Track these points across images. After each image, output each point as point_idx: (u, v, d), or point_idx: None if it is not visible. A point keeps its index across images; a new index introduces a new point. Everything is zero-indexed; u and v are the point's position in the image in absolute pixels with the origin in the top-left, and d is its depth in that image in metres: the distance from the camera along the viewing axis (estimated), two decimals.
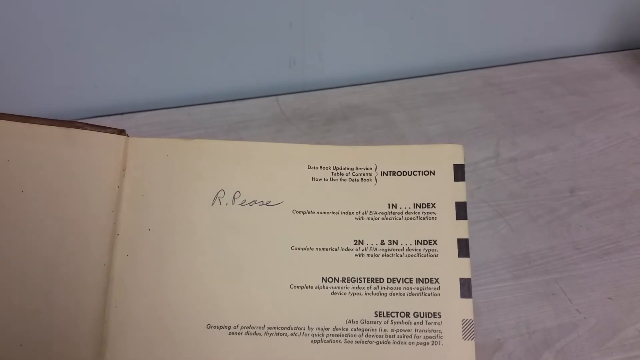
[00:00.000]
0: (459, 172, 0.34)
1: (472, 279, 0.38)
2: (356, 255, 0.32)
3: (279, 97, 0.57)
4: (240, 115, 0.54)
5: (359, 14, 0.56)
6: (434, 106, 0.55)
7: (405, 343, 0.30)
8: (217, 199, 0.33)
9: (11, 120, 0.31)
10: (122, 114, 0.54)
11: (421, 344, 0.30)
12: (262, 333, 0.31)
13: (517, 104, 0.56)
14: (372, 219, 0.33)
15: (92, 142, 0.33)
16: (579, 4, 0.62)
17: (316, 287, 0.31)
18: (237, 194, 0.33)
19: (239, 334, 0.31)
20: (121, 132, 0.34)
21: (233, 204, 0.33)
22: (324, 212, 0.33)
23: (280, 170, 0.34)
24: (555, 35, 0.64)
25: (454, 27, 0.60)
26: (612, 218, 0.44)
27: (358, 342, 0.30)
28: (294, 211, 0.33)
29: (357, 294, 0.31)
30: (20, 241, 0.30)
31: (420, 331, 0.30)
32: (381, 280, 0.31)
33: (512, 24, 0.61)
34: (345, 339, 0.30)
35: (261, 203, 0.33)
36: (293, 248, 0.32)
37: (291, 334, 0.30)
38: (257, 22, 0.54)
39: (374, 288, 0.31)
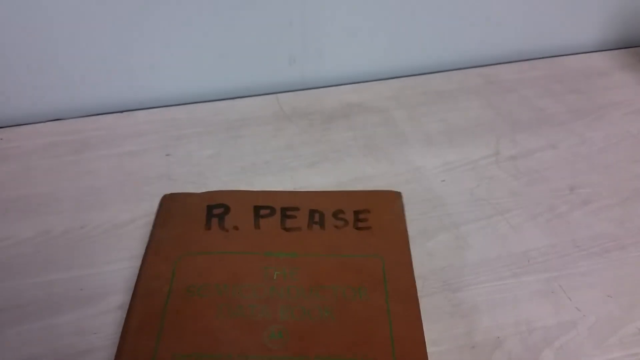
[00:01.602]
0: None
1: (471, 277, 0.39)
2: None
3: (279, 95, 0.57)
4: (240, 113, 0.54)
5: (359, 12, 0.56)
6: (434, 104, 0.55)
7: None
8: None
9: None
10: (122, 111, 0.54)
11: None
12: None
13: (516, 102, 0.56)
14: None
15: None
16: (578, 2, 0.62)
17: None
18: None
19: None
20: None
21: None
22: None
23: None
24: (554, 33, 0.64)
25: (454, 25, 0.60)
26: (611, 216, 0.44)
27: None
28: None
29: None
30: None
31: None
32: None
33: (511, 22, 0.61)
34: None
35: None
36: None
37: None
38: (258, 20, 0.54)
39: None
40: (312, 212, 0.36)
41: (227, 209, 0.36)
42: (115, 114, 0.54)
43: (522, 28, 0.62)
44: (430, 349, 0.34)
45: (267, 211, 0.36)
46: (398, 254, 0.35)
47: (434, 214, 0.43)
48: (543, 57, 0.63)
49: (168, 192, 0.44)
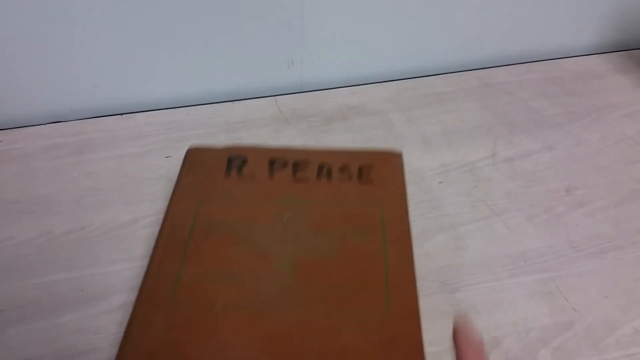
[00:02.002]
0: None
1: (469, 277, 0.39)
2: None
3: (278, 97, 0.57)
4: (239, 116, 0.54)
5: (357, 15, 0.56)
6: (432, 106, 0.56)
7: None
8: None
9: None
10: (122, 114, 0.54)
11: None
12: None
13: (513, 104, 0.56)
14: None
15: None
16: (575, 5, 0.62)
17: None
18: None
19: None
20: None
21: None
22: None
23: None
24: (551, 36, 0.64)
25: (451, 28, 0.60)
26: (608, 217, 0.44)
27: None
28: None
29: None
30: None
31: None
32: None
33: (508, 25, 0.62)
34: None
35: None
36: None
37: None
38: (256, 22, 0.54)
39: None
40: (320, 167, 0.40)
41: (245, 161, 0.40)
42: (115, 116, 0.54)
43: (519, 31, 0.63)
44: (428, 349, 0.34)
45: (281, 164, 0.40)
46: (396, 205, 0.38)
47: (431, 215, 0.44)
48: (540, 60, 0.63)
49: (168, 194, 0.45)
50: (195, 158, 0.41)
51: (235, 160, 0.40)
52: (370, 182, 0.39)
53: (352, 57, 0.59)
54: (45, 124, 0.53)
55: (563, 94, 0.58)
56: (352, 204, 0.37)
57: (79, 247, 0.41)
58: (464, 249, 0.41)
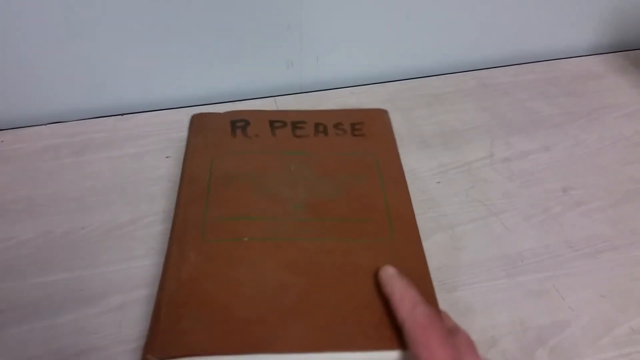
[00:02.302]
0: None
1: (466, 277, 0.39)
2: None
3: (277, 98, 0.57)
4: None
5: (356, 16, 0.56)
6: (430, 107, 0.56)
7: None
8: None
9: None
10: (123, 114, 0.54)
11: None
12: None
13: (511, 104, 0.57)
14: None
15: None
16: (573, 6, 0.63)
17: None
18: None
19: None
20: None
21: None
22: None
23: None
24: (549, 37, 0.65)
25: (449, 29, 0.60)
26: (605, 217, 0.44)
27: None
28: None
29: None
30: None
31: None
32: None
33: (506, 26, 0.62)
34: None
35: None
36: None
37: None
38: (256, 24, 0.54)
39: None
40: (317, 125, 0.43)
41: (247, 123, 0.43)
42: (115, 117, 0.54)
43: (517, 32, 0.63)
44: None
45: (280, 124, 0.43)
46: (388, 152, 0.42)
47: (429, 215, 0.44)
48: (538, 61, 0.64)
49: (167, 194, 0.45)
50: (200, 122, 0.44)
51: (238, 122, 0.43)
52: (362, 135, 0.43)
53: (351, 58, 0.60)
54: (45, 125, 0.53)
55: (561, 95, 0.58)
56: (348, 154, 0.41)
57: (79, 247, 0.41)
58: (462, 249, 0.41)
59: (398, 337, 0.29)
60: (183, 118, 0.54)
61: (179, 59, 0.55)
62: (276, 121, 0.43)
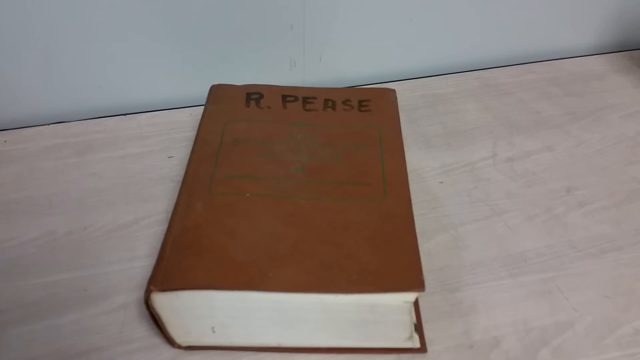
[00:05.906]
0: None
1: (469, 277, 0.39)
2: None
3: None
4: None
5: (359, 16, 0.56)
6: (432, 107, 0.56)
7: None
8: None
9: None
10: (124, 114, 0.54)
11: None
12: None
13: (514, 105, 0.57)
14: None
15: None
16: (575, 6, 0.62)
17: None
18: None
19: None
20: None
21: None
22: None
23: None
24: (551, 37, 0.65)
25: (452, 29, 0.60)
26: (608, 217, 0.44)
27: None
28: None
29: None
30: None
31: None
32: None
33: (509, 26, 0.62)
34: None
35: None
36: None
37: None
38: (259, 24, 0.54)
39: None
40: (326, 100, 0.47)
41: (261, 95, 0.47)
42: (118, 117, 0.54)
43: (519, 32, 0.63)
44: (428, 348, 0.35)
45: (292, 98, 0.47)
46: (391, 126, 0.44)
47: (432, 215, 0.44)
48: (540, 61, 0.64)
49: (170, 194, 0.45)
50: (218, 92, 0.48)
51: (252, 94, 0.47)
52: (369, 110, 0.46)
53: (353, 59, 0.60)
54: (47, 125, 0.53)
55: (563, 95, 0.58)
56: (353, 126, 0.44)
57: (81, 247, 0.41)
58: (464, 249, 0.41)
59: (380, 282, 0.31)
60: (185, 118, 0.54)
61: (181, 59, 0.55)
62: (288, 96, 0.47)
